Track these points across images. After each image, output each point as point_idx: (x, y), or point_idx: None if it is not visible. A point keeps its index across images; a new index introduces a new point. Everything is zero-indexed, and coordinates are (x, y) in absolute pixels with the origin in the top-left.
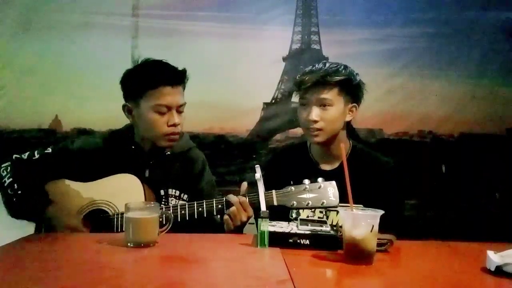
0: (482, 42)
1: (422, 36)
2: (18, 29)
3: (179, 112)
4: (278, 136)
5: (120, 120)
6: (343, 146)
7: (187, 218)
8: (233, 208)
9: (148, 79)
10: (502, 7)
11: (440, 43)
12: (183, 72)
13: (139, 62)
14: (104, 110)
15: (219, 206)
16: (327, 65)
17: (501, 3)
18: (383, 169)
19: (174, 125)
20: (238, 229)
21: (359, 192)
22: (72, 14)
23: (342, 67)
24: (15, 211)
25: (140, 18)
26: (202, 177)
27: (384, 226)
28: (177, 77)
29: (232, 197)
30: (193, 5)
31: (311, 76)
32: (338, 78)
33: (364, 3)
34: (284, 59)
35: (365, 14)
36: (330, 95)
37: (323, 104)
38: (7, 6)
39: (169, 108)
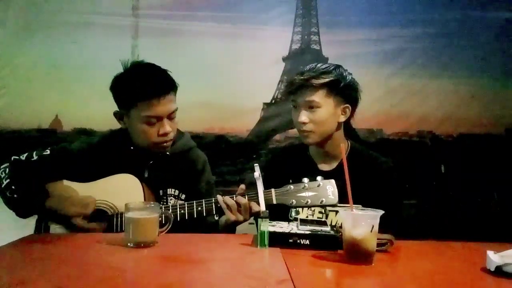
0: (482, 42)
1: (422, 36)
2: (18, 29)
3: (171, 118)
4: (278, 136)
5: None
6: (343, 146)
7: (187, 218)
8: (231, 202)
9: (136, 91)
10: (502, 7)
11: (440, 43)
12: (171, 81)
13: (128, 66)
14: (104, 110)
15: (219, 205)
16: (318, 65)
17: (501, 3)
18: (381, 169)
19: (165, 134)
20: (231, 229)
21: (357, 192)
22: (72, 14)
23: (333, 67)
24: (18, 211)
25: (140, 18)
26: (201, 177)
27: (382, 225)
28: (165, 87)
29: (220, 198)
30: (193, 5)
31: (298, 78)
32: (324, 80)
33: (364, 3)
34: (284, 59)
35: (365, 14)
36: (317, 97)
37: (310, 106)
38: (8, 6)
39: (159, 118)
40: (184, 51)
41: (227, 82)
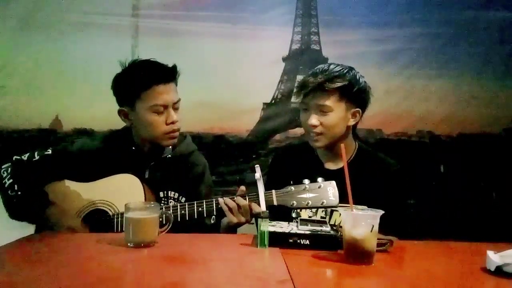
0: (482, 42)
1: (422, 36)
2: (18, 29)
3: (175, 109)
4: (278, 136)
5: (121, 120)
6: (343, 146)
7: (187, 218)
8: (232, 204)
9: (140, 80)
10: (502, 7)
11: (440, 43)
12: (173, 68)
13: (127, 65)
14: (105, 110)
15: (219, 205)
16: (331, 67)
17: (501, 3)
18: (389, 171)
19: (173, 122)
20: (232, 231)
21: (364, 193)
22: (72, 14)
23: (346, 70)
24: (15, 213)
25: (140, 18)
26: (201, 181)
27: (389, 228)
28: (168, 74)
29: (221, 201)
30: (193, 5)
31: (311, 82)
32: (338, 84)
33: (364, 3)
34: (284, 59)
35: (365, 14)
36: (329, 101)
37: (322, 110)
38: (7, 6)
39: (165, 107)
40: (184, 51)
41: (227, 82)
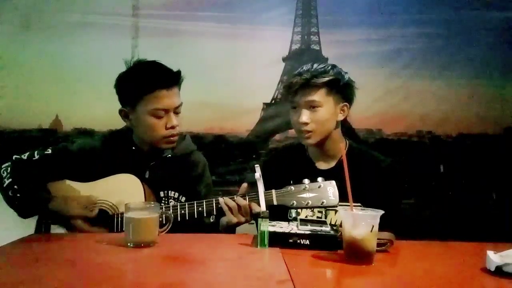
0: (482, 42)
1: (422, 36)
2: (18, 29)
3: (176, 113)
4: (277, 136)
5: (121, 120)
6: (342, 146)
7: (187, 218)
8: (232, 204)
9: (143, 84)
10: (502, 7)
11: (440, 43)
12: (178, 73)
13: (132, 64)
14: (105, 110)
15: (219, 205)
16: (315, 66)
17: (501, 3)
18: (380, 168)
19: (173, 127)
20: (231, 230)
21: (356, 190)
22: (72, 14)
23: (330, 67)
24: (20, 211)
25: (140, 18)
26: (201, 181)
27: (382, 224)
28: (172, 79)
29: (221, 200)
30: (193, 5)
31: (297, 79)
32: (324, 79)
33: (364, 3)
34: (284, 59)
35: (365, 14)
36: (318, 96)
37: (312, 106)
38: (7, 6)
39: (166, 111)
40: (184, 51)
41: (227, 82)
